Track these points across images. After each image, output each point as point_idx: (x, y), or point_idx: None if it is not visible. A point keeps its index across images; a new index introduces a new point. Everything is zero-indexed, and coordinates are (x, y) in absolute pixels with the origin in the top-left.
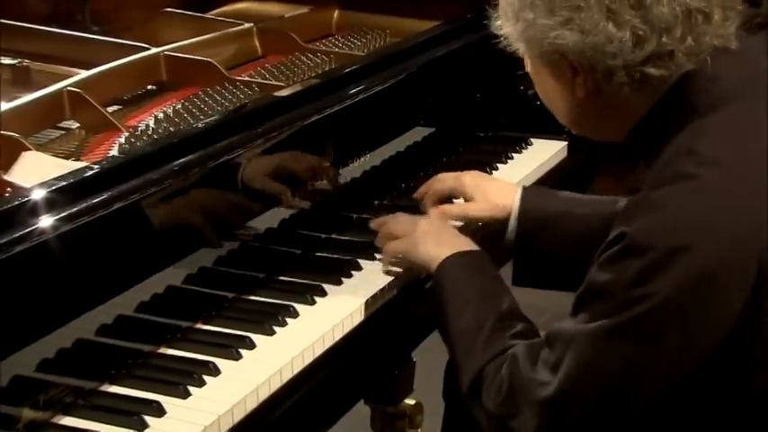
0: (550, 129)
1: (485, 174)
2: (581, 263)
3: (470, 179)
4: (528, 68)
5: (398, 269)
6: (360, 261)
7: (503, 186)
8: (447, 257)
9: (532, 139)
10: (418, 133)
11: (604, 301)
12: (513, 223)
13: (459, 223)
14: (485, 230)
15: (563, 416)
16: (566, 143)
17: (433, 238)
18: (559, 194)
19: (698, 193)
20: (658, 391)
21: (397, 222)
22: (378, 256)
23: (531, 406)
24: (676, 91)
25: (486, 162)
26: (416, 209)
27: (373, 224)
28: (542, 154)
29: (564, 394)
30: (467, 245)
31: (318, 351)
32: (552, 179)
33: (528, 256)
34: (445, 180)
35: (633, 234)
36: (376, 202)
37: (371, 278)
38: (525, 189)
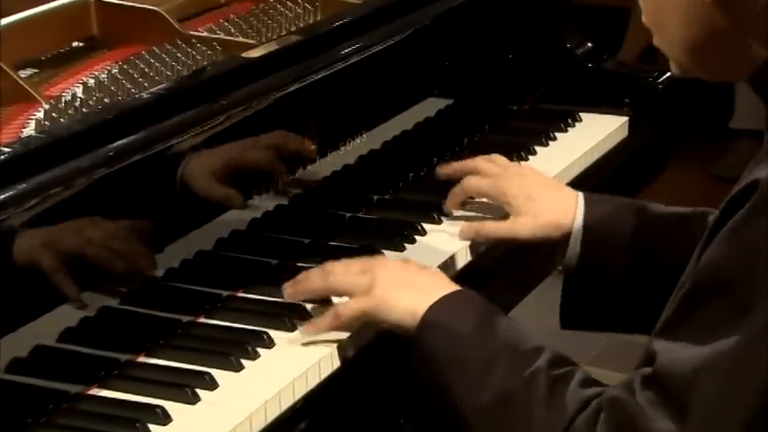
0: (606, 99)
1: (529, 174)
2: (660, 298)
3: (516, 187)
4: None
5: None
6: None
7: (559, 196)
8: (432, 306)
9: (582, 114)
10: (431, 107)
11: (737, 286)
12: (574, 245)
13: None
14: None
15: None
16: (626, 119)
17: (400, 283)
18: (635, 205)
19: None
20: None
21: (341, 273)
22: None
23: None
24: None
25: (522, 144)
26: (427, 206)
27: (289, 290)
28: (595, 133)
29: None
30: (445, 282)
31: (300, 392)
32: (609, 166)
33: (589, 290)
34: (480, 184)
35: None
36: (375, 198)
37: None
38: (588, 200)
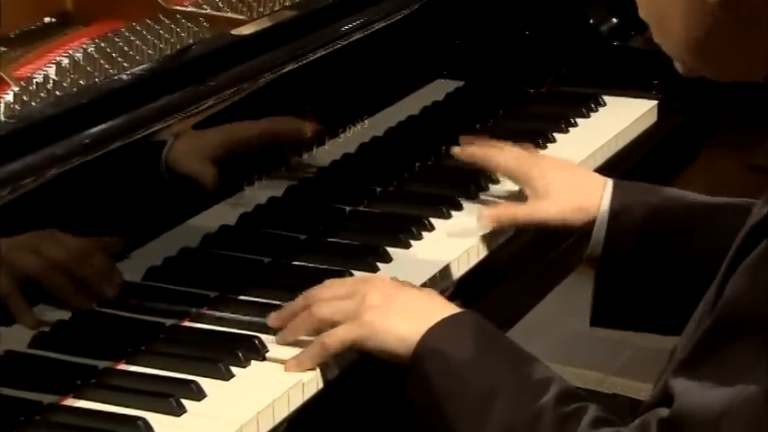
0: (633, 81)
1: (555, 159)
2: (690, 296)
3: (541, 168)
4: None
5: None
6: (356, 273)
7: (586, 180)
8: (428, 332)
9: (606, 97)
10: (440, 89)
11: (760, 325)
12: (599, 233)
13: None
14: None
15: None
16: (655, 102)
17: (393, 307)
18: (669, 193)
19: None
20: None
21: (326, 301)
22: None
23: None
24: None
25: (539, 130)
26: (436, 198)
27: (274, 319)
28: (621, 118)
29: None
30: (444, 305)
31: (296, 403)
32: (636, 155)
33: (617, 284)
34: (506, 156)
35: None
36: (378, 190)
37: None
38: (618, 185)
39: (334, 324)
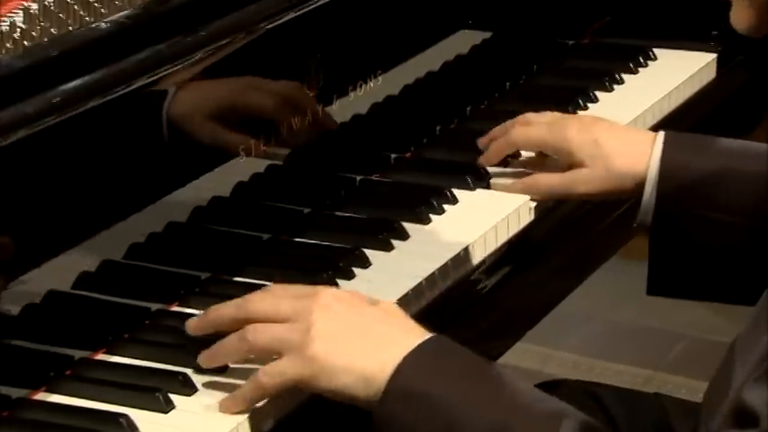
0: (687, 31)
1: (590, 117)
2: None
3: (577, 130)
4: None
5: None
6: (367, 252)
7: (632, 138)
8: (400, 366)
9: (656, 50)
10: (464, 41)
11: None
12: (649, 197)
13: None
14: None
15: None
16: (713, 56)
17: (348, 334)
18: (734, 145)
19: None
20: None
21: (264, 314)
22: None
23: None
24: None
25: (580, 88)
26: (459, 167)
27: (193, 327)
28: (673, 75)
29: None
30: (410, 326)
31: (299, 397)
32: (690, 117)
33: (673, 249)
34: (533, 131)
35: None
36: (393, 157)
37: (389, 276)
38: (670, 139)
39: (271, 353)
